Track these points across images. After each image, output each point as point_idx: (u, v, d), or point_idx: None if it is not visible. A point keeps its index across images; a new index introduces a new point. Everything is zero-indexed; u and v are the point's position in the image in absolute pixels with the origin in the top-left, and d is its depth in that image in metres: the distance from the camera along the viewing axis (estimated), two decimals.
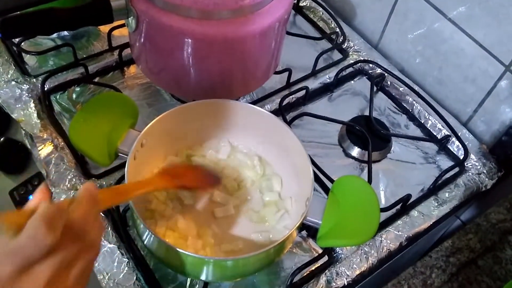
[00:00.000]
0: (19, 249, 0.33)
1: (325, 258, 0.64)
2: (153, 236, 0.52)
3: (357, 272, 0.62)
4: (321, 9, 0.94)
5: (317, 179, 0.70)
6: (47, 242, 0.34)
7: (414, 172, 0.75)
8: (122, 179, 0.66)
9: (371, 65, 0.86)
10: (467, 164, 0.75)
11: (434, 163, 0.76)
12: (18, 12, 0.59)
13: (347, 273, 0.62)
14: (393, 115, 0.82)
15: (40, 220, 0.34)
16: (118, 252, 0.60)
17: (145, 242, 0.57)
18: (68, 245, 0.36)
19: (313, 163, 0.70)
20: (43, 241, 0.34)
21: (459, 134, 0.77)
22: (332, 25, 0.92)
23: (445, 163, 0.76)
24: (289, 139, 0.61)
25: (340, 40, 0.90)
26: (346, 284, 0.61)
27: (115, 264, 0.59)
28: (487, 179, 0.73)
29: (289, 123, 0.76)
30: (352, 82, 0.86)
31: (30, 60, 0.82)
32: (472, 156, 0.75)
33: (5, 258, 0.33)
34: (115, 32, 0.83)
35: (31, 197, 0.39)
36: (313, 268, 0.63)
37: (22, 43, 0.81)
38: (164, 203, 0.62)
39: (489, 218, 0.68)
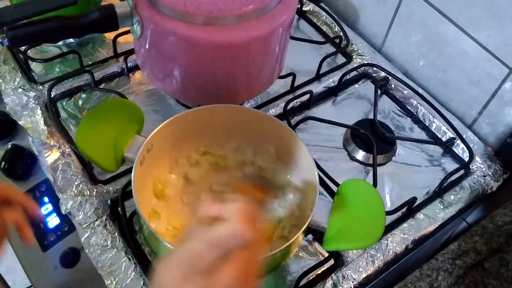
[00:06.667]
0: (224, 239, 0.39)
1: (331, 261, 0.64)
2: (160, 241, 0.53)
3: (364, 275, 0.62)
4: (324, 13, 0.95)
5: (322, 182, 0.70)
6: (248, 237, 0.39)
7: (419, 175, 0.75)
8: (129, 184, 0.66)
9: (375, 68, 0.86)
10: (472, 166, 0.75)
11: (439, 165, 0.77)
12: (25, 21, 0.59)
13: (354, 276, 0.62)
14: (398, 118, 0.82)
15: (244, 216, 0.40)
16: (126, 257, 0.60)
17: (152, 247, 0.57)
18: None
19: (318, 167, 0.70)
20: (246, 237, 0.39)
21: (464, 137, 0.77)
22: (336, 29, 0.93)
23: (450, 165, 0.76)
24: (294, 143, 0.62)
25: (344, 44, 0.90)
26: (352, 287, 0.61)
27: (123, 269, 0.59)
28: (492, 181, 0.73)
29: (293, 127, 0.76)
30: (356, 85, 0.86)
31: (36, 68, 0.82)
32: (477, 158, 0.76)
33: (212, 246, 0.39)
34: (120, 39, 0.83)
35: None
36: (319, 272, 0.64)
37: (29, 51, 0.82)
38: (172, 209, 0.62)
39: (495, 220, 0.68)
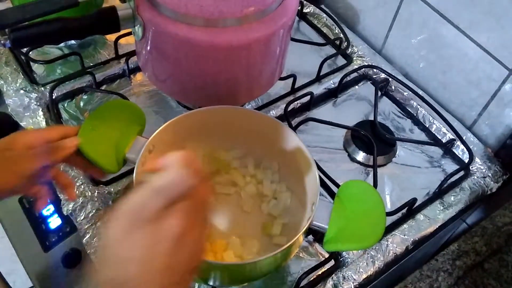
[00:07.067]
0: (166, 187, 0.39)
1: (332, 262, 0.64)
2: None
3: (364, 276, 0.62)
4: (324, 15, 0.95)
5: (322, 183, 0.70)
6: (190, 182, 0.40)
7: (419, 176, 0.75)
8: (130, 185, 0.67)
9: (375, 70, 0.86)
10: (472, 167, 0.75)
11: (439, 167, 0.77)
12: (27, 23, 0.60)
13: (354, 277, 0.62)
14: (398, 120, 0.83)
15: (184, 163, 0.40)
16: None
17: None
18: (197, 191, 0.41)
19: (319, 168, 0.70)
20: (187, 181, 0.40)
21: (463, 138, 0.77)
22: (336, 31, 0.93)
23: (450, 166, 0.77)
24: (295, 145, 0.62)
25: (344, 46, 0.90)
26: None
27: None
28: (492, 182, 0.74)
29: (294, 128, 0.77)
30: (357, 87, 0.87)
31: (38, 69, 0.83)
32: (477, 159, 0.76)
33: (155, 195, 0.38)
34: (122, 41, 0.84)
35: None
36: (320, 273, 0.64)
37: (30, 52, 0.82)
38: None
39: (494, 221, 0.69)
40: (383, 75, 0.86)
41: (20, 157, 0.52)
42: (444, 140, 0.79)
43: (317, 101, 0.83)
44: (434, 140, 0.80)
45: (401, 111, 0.84)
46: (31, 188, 0.56)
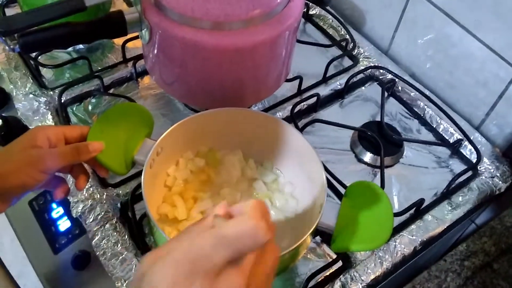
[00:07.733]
0: (237, 238, 0.34)
1: (340, 263, 0.64)
2: None
3: (372, 277, 0.62)
4: (330, 16, 0.95)
5: (330, 185, 0.70)
6: (265, 238, 0.34)
7: (427, 177, 0.75)
8: (138, 187, 0.67)
9: (381, 70, 0.86)
10: (480, 167, 0.75)
11: (447, 167, 0.77)
12: (36, 28, 0.60)
13: (362, 278, 0.62)
14: (405, 120, 0.83)
15: (259, 214, 0.35)
16: (135, 259, 0.61)
17: None
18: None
19: (326, 169, 0.71)
20: (262, 237, 0.34)
21: (471, 138, 0.77)
22: (342, 32, 0.93)
23: (458, 167, 0.76)
24: (302, 146, 0.62)
25: (350, 47, 0.90)
26: None
27: (133, 271, 0.60)
28: (500, 182, 0.73)
29: (301, 130, 0.77)
30: (363, 88, 0.87)
31: (47, 73, 0.84)
32: (485, 159, 0.75)
33: (222, 244, 0.33)
34: (129, 44, 0.84)
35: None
36: (328, 274, 0.64)
37: (39, 57, 0.83)
38: (182, 211, 0.63)
39: (503, 221, 0.68)
40: (389, 76, 0.86)
41: (46, 155, 0.53)
42: (451, 140, 0.79)
43: (323, 102, 0.83)
44: (441, 141, 0.80)
45: (408, 112, 0.84)
46: (50, 182, 0.57)
